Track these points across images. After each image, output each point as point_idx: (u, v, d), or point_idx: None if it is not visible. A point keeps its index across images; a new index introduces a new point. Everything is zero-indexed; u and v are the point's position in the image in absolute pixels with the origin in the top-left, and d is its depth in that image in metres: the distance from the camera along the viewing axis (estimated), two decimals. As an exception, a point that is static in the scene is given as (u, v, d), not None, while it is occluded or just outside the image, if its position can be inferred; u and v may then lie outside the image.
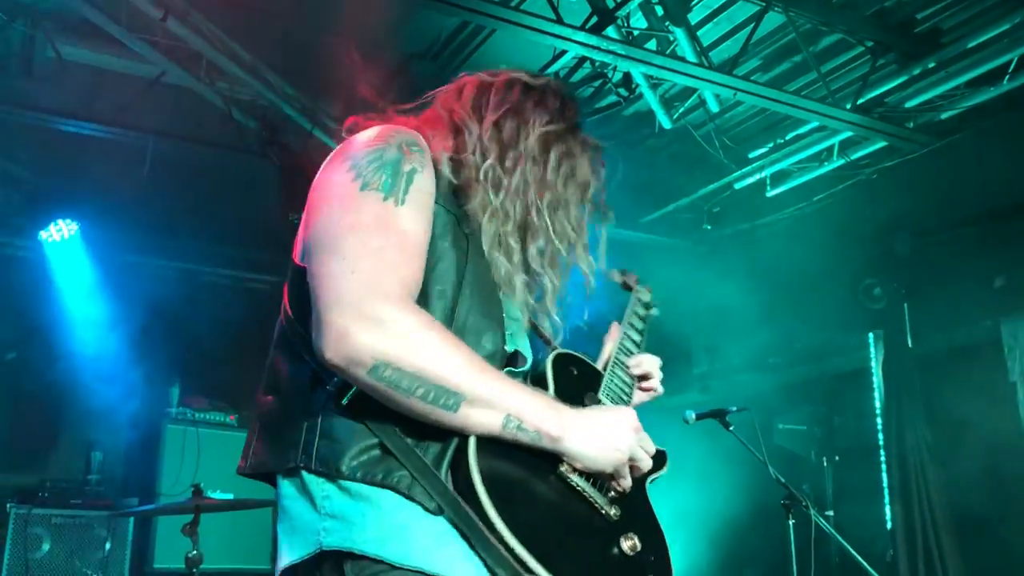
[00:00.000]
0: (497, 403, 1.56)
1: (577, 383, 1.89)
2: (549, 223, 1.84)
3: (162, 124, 6.36)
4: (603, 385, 1.95)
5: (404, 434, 1.57)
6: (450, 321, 1.65)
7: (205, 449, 6.88)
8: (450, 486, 1.55)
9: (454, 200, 1.77)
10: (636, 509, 1.77)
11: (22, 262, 7.40)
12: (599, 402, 1.88)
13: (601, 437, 1.66)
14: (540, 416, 1.60)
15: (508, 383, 1.61)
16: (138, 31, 5.22)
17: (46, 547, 5.89)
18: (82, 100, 5.92)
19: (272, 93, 5.74)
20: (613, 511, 1.70)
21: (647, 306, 2.37)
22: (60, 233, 7.02)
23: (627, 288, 2.42)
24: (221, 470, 6.62)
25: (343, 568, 1.55)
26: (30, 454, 7.13)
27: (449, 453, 1.57)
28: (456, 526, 1.52)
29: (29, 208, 7.02)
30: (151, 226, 7.73)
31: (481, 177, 1.80)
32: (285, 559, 1.63)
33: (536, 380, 1.83)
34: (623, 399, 1.97)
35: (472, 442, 1.55)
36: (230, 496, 5.42)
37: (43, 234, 7.04)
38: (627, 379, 2.05)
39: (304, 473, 1.61)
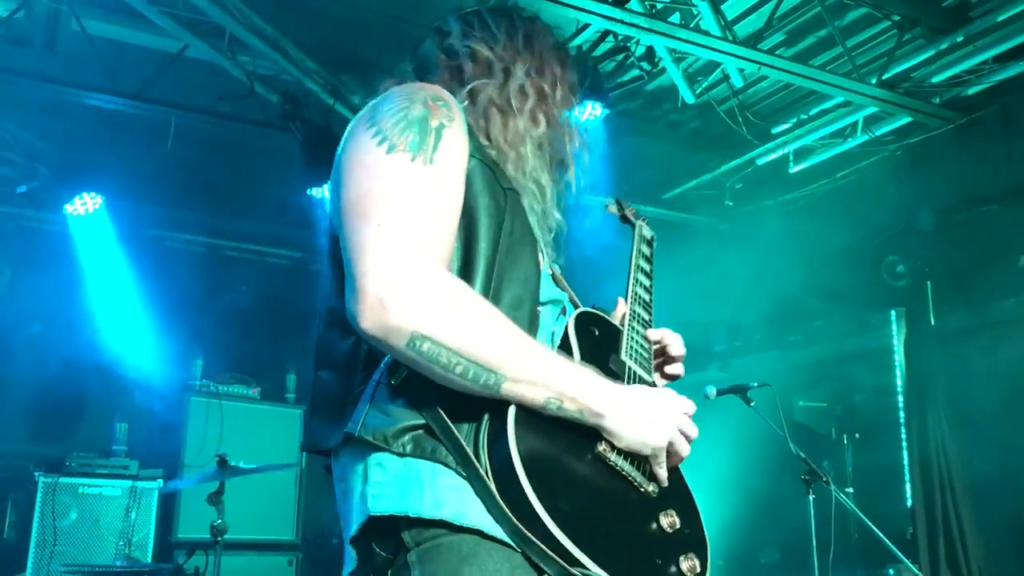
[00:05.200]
0: (540, 381, 1.49)
1: (600, 344, 1.82)
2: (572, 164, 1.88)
3: (185, 98, 6.38)
4: (624, 345, 1.87)
5: (449, 416, 1.52)
6: (488, 284, 1.59)
7: (229, 422, 6.96)
8: (488, 476, 1.49)
9: (486, 151, 1.72)
10: (671, 482, 1.72)
11: (47, 235, 7.49)
12: (623, 364, 1.82)
13: (642, 419, 1.61)
14: (584, 394, 1.54)
15: (550, 359, 1.54)
16: (161, 5, 5.23)
17: (73, 515, 5.99)
18: (106, 74, 5.94)
19: (294, 67, 5.75)
20: (651, 488, 1.65)
21: (650, 242, 2.17)
22: (84, 207, 7.06)
23: (626, 221, 2.22)
24: (245, 442, 6.72)
25: (400, 537, 1.50)
26: (57, 425, 7.23)
27: (484, 436, 1.51)
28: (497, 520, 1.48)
29: (54, 182, 7.07)
30: (174, 200, 7.78)
31: (509, 134, 1.79)
32: (347, 535, 1.60)
33: (559, 342, 1.77)
34: (643, 357, 1.90)
35: (511, 425, 1.49)
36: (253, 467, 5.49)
37: (68, 208, 7.08)
38: (646, 341, 1.95)
39: (355, 446, 1.57)
